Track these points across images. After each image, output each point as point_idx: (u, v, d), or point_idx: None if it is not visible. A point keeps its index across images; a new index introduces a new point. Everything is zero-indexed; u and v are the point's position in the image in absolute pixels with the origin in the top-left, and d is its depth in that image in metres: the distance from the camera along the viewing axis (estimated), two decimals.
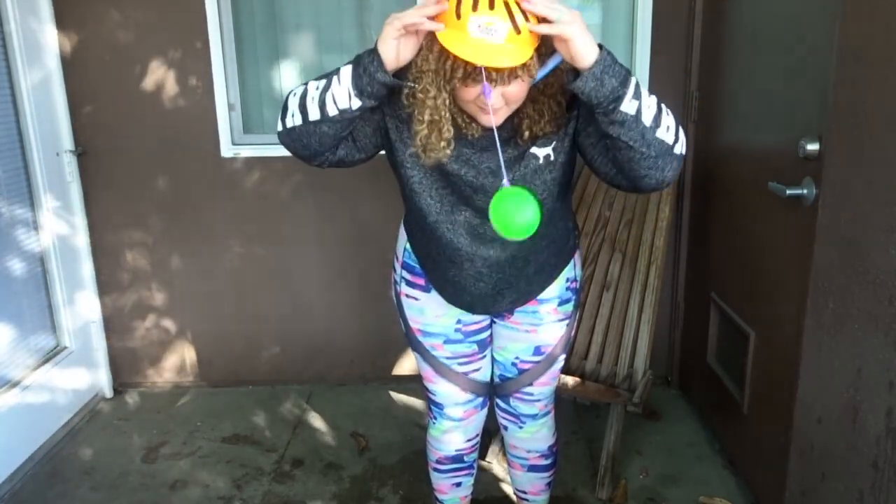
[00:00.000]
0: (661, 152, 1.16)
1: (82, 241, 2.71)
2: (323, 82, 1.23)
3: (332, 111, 1.22)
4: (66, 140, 2.60)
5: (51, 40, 2.51)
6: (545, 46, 1.17)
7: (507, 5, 1.09)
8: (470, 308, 1.50)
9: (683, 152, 1.21)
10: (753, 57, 2.03)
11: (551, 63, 1.18)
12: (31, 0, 2.41)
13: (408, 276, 1.55)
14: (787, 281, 1.78)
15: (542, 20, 1.11)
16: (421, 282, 1.53)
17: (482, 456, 2.28)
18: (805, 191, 1.64)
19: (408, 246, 1.54)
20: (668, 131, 1.17)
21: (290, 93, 1.30)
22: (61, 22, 2.52)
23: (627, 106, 1.12)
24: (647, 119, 1.14)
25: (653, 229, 2.38)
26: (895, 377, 1.36)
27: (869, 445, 1.44)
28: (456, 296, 1.48)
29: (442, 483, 1.79)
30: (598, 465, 2.19)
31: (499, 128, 1.23)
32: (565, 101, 1.28)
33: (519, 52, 1.10)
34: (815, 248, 1.60)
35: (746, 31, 2.09)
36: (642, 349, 2.28)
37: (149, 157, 2.67)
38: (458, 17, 1.10)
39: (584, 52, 1.09)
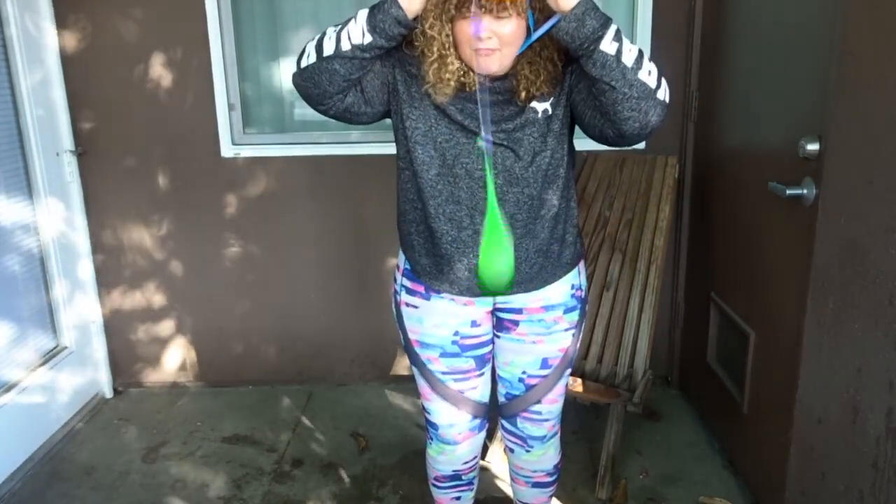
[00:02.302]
0: (643, 94, 1.20)
1: (82, 240, 2.71)
2: (341, 25, 1.32)
3: (345, 46, 1.29)
4: (66, 140, 2.60)
5: (51, 40, 2.51)
6: (543, 9, 1.25)
7: None
8: (469, 289, 1.46)
9: (667, 100, 1.25)
10: (753, 57, 2.03)
11: (549, 24, 1.24)
12: (31, 0, 2.41)
13: (408, 284, 1.54)
14: (787, 281, 1.78)
15: None
16: (421, 289, 1.52)
17: (482, 456, 2.28)
18: (805, 191, 1.64)
19: (409, 254, 1.53)
20: (651, 76, 1.21)
21: (309, 40, 1.38)
22: (61, 22, 2.53)
23: (607, 46, 1.18)
24: (627, 61, 1.19)
25: (653, 229, 2.38)
26: (895, 377, 1.36)
27: (869, 445, 1.45)
28: (456, 275, 1.44)
29: (441, 497, 1.79)
30: (598, 465, 2.19)
31: (497, 87, 1.34)
32: (561, 63, 1.35)
33: None
34: (815, 248, 1.61)
35: (746, 31, 2.09)
36: (642, 349, 2.27)
37: (149, 157, 2.67)
38: None
39: None
